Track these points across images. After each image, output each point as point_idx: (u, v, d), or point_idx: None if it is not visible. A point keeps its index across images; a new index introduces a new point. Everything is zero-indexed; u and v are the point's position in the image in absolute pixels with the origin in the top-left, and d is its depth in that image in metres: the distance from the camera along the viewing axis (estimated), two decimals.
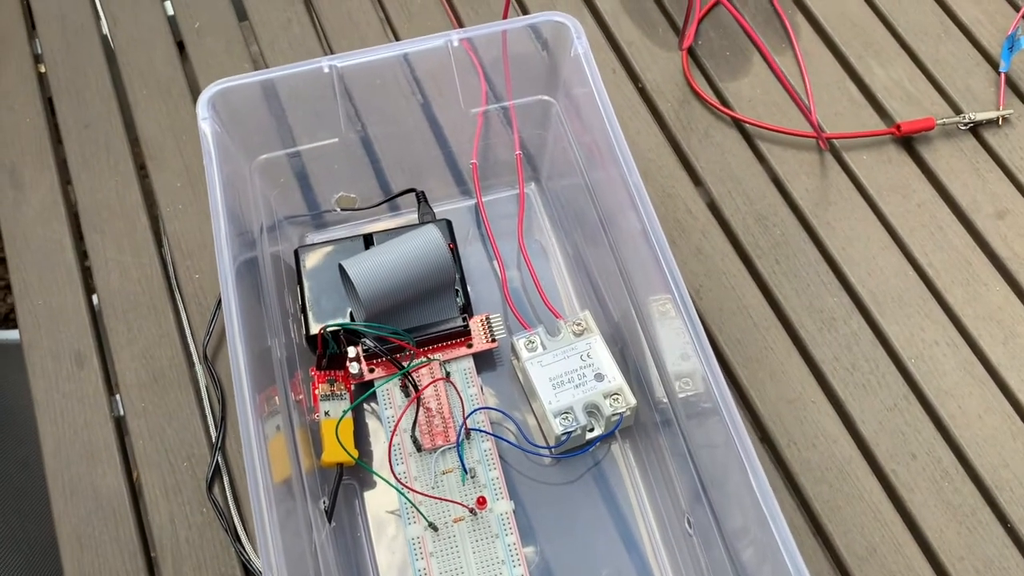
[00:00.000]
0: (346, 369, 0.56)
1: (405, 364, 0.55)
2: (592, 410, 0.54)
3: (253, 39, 0.74)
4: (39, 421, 0.58)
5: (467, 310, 0.58)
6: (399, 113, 0.60)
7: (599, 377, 0.55)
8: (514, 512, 0.53)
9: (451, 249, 0.57)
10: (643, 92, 0.71)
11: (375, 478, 0.55)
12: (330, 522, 0.52)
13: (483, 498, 0.53)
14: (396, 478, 0.53)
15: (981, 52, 0.71)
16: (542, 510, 0.55)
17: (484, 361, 0.59)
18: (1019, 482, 0.55)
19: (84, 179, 0.67)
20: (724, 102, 0.69)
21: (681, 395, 0.50)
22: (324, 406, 0.55)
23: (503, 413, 0.57)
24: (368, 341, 0.55)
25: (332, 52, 0.73)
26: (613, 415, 0.54)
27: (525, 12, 0.75)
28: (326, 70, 0.55)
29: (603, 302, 0.59)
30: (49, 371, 0.60)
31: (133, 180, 0.67)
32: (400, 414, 0.55)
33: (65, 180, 0.68)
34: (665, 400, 0.52)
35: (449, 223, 0.60)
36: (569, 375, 0.55)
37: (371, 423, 0.57)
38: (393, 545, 0.54)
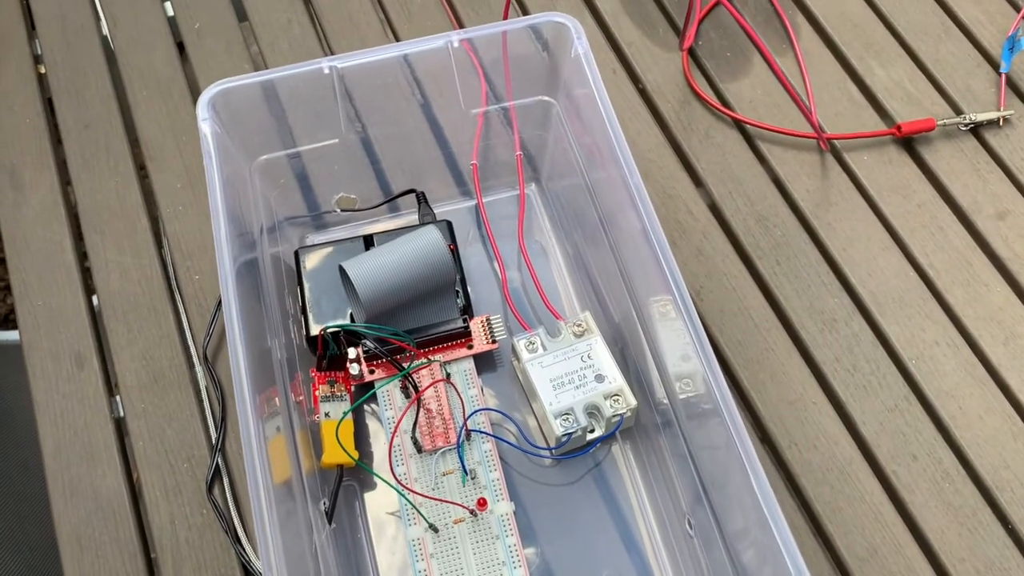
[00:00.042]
0: (346, 370, 0.56)
1: (405, 365, 0.55)
2: (593, 411, 0.54)
3: (253, 40, 0.74)
4: (39, 422, 0.58)
5: (467, 311, 0.57)
6: (399, 114, 0.60)
7: (599, 378, 0.55)
8: (515, 513, 0.53)
9: (451, 250, 0.57)
10: (643, 93, 0.71)
11: (375, 479, 0.55)
12: (330, 523, 0.52)
13: (483, 499, 0.53)
14: (396, 479, 0.53)
15: (982, 53, 0.71)
16: (543, 511, 0.55)
17: (484, 362, 0.59)
18: (1020, 483, 0.55)
19: (84, 180, 0.67)
20: (725, 103, 0.69)
21: (682, 396, 0.50)
22: (324, 407, 0.55)
23: (503, 414, 0.57)
24: (368, 342, 0.55)
25: (332, 53, 0.73)
26: (614, 416, 0.54)
27: (525, 13, 0.75)
28: (326, 71, 0.55)
29: (603, 303, 0.59)
30: (49, 372, 0.59)
31: (133, 181, 0.67)
32: (400, 415, 0.55)
33: (65, 181, 0.68)
34: (666, 401, 0.52)
35: (449, 224, 0.60)
36: (569, 376, 0.55)
37: (371, 424, 0.57)
38: (393, 546, 0.54)
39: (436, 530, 0.52)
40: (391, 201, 0.63)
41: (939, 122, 0.67)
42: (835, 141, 0.67)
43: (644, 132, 0.68)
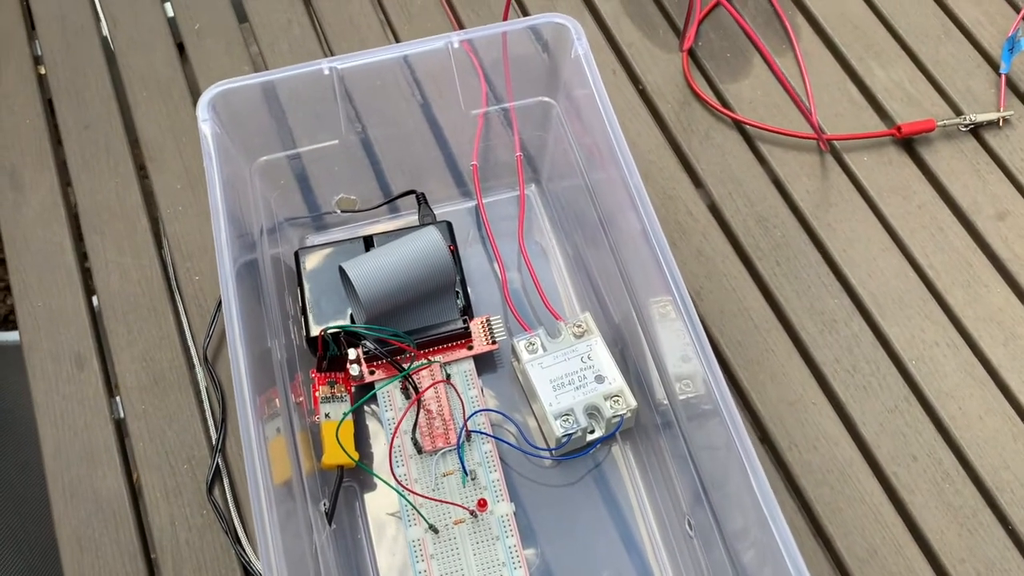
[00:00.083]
0: (346, 371, 0.56)
1: (406, 366, 0.55)
2: (593, 412, 0.54)
3: (253, 40, 0.74)
4: (39, 423, 0.58)
5: (467, 312, 0.57)
6: (399, 115, 0.60)
7: (599, 379, 0.55)
8: (515, 514, 0.53)
9: (451, 251, 0.57)
10: (643, 93, 0.71)
11: (375, 480, 0.55)
12: (330, 524, 0.52)
13: (484, 500, 0.53)
14: (396, 480, 0.53)
15: (981, 53, 0.71)
16: (543, 512, 0.55)
17: (484, 363, 0.59)
18: (1020, 484, 0.55)
19: (84, 180, 0.67)
20: (724, 103, 0.69)
21: (682, 397, 0.50)
22: (324, 408, 0.55)
23: (503, 415, 0.57)
24: (368, 343, 0.55)
25: (332, 54, 0.73)
26: (614, 417, 0.54)
27: (525, 13, 0.75)
28: (326, 72, 0.55)
29: (603, 304, 0.59)
30: (49, 373, 0.59)
31: (133, 182, 0.67)
32: (401, 416, 0.55)
33: (65, 182, 0.68)
34: (666, 402, 0.52)
35: (449, 225, 0.60)
36: (569, 377, 0.55)
37: (371, 425, 0.57)
38: (394, 547, 0.54)
39: (436, 531, 0.52)
40: (391, 202, 0.63)
41: (939, 123, 0.67)
42: (835, 142, 0.67)
43: (644, 133, 0.68)
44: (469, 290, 0.59)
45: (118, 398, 0.59)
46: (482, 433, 0.55)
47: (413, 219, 0.62)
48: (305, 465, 0.52)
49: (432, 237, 0.55)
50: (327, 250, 0.59)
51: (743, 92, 0.70)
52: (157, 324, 0.61)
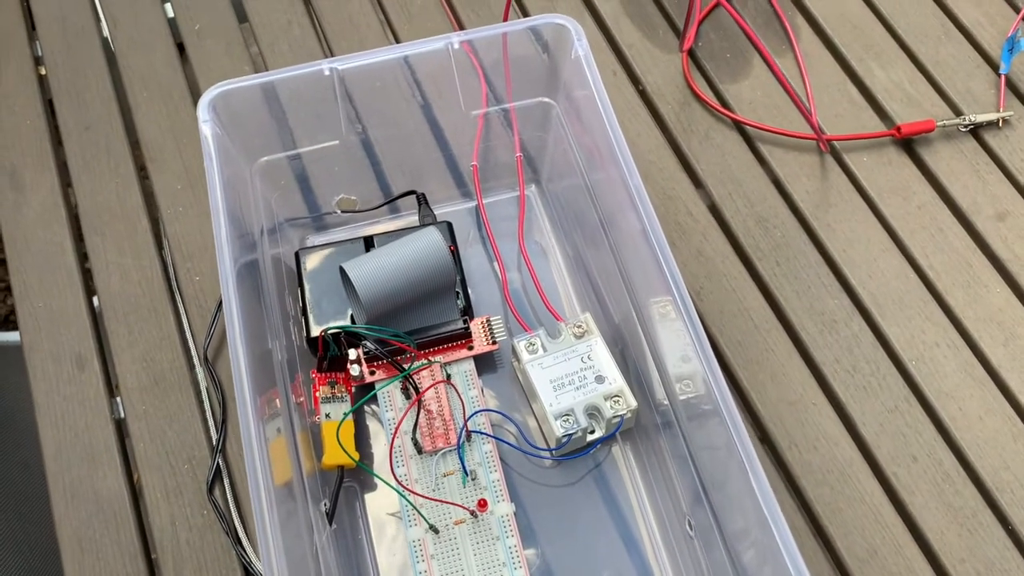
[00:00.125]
0: (347, 371, 0.56)
1: (406, 366, 0.55)
2: (593, 412, 0.54)
3: (253, 41, 0.74)
4: (40, 424, 0.58)
5: (468, 312, 0.58)
6: (400, 115, 0.60)
7: (600, 379, 0.55)
8: (515, 514, 0.53)
9: (452, 251, 0.57)
10: (643, 94, 0.71)
11: (376, 480, 0.55)
12: (331, 524, 0.52)
13: (484, 500, 0.53)
14: (397, 480, 0.53)
15: (981, 54, 0.71)
16: (543, 512, 0.55)
17: (485, 363, 0.59)
18: (1020, 484, 0.55)
19: (84, 181, 0.67)
20: (724, 104, 0.69)
21: (682, 397, 0.50)
22: (325, 408, 0.55)
23: (504, 415, 0.57)
24: (369, 343, 0.55)
25: (332, 54, 0.73)
26: (614, 417, 0.54)
27: (525, 14, 0.75)
28: (327, 72, 0.55)
29: (603, 304, 0.59)
30: (50, 374, 0.59)
31: (134, 182, 0.67)
32: (401, 416, 0.55)
33: (65, 182, 0.68)
34: (666, 402, 0.52)
35: (450, 225, 0.60)
36: (570, 377, 0.55)
37: (372, 425, 0.57)
38: (394, 547, 0.54)
39: (437, 531, 0.52)
40: (391, 202, 0.63)
41: (939, 123, 0.67)
42: (835, 142, 0.67)
43: (644, 133, 0.68)
44: (469, 290, 0.59)
45: (119, 398, 0.59)
46: (482, 433, 0.55)
47: (413, 219, 0.63)
48: (306, 465, 0.52)
49: (432, 237, 0.55)
50: (327, 250, 0.59)
51: (743, 92, 0.70)
52: (157, 325, 0.61)
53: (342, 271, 0.56)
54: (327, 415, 0.55)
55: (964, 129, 0.68)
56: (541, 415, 0.55)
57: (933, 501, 0.55)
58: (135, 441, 0.57)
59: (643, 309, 0.53)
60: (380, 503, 0.55)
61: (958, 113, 0.68)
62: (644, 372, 0.54)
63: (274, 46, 0.73)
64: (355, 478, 0.56)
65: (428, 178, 0.64)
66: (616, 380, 0.55)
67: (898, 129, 0.67)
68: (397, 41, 0.74)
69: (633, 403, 0.54)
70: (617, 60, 0.72)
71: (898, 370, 0.59)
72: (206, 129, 0.52)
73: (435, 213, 0.62)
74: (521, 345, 0.56)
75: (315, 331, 0.56)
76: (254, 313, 0.51)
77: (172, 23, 0.75)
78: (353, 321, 0.57)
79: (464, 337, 0.57)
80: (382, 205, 0.63)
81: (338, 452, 0.53)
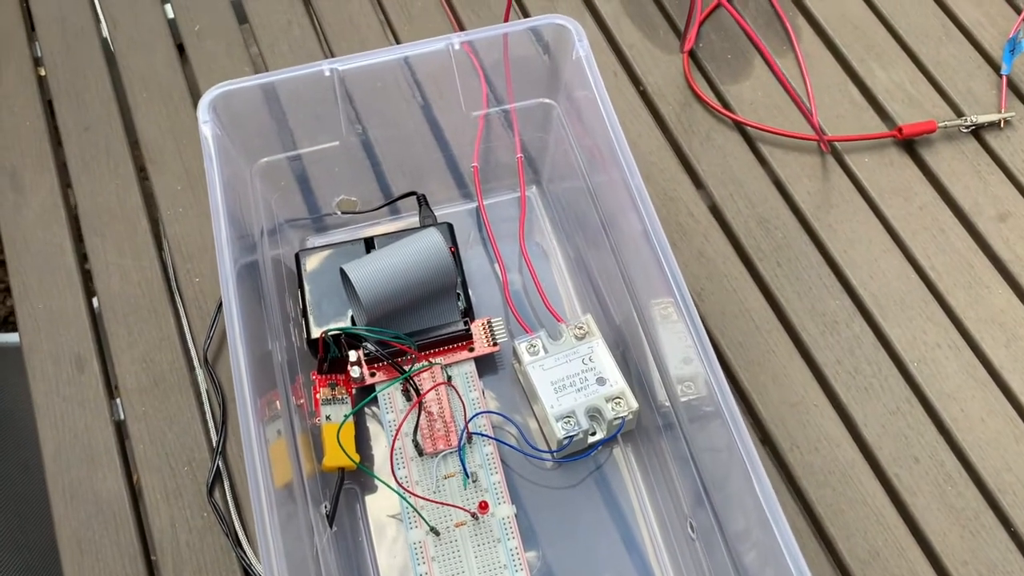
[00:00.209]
0: (347, 373, 0.56)
1: (406, 368, 0.55)
2: (594, 414, 0.54)
3: (253, 41, 0.74)
4: (39, 425, 0.58)
5: (468, 314, 0.57)
6: (400, 116, 0.60)
7: (601, 381, 0.55)
8: (516, 516, 0.53)
9: (452, 252, 0.57)
10: (644, 95, 0.70)
11: (376, 482, 0.55)
12: (331, 526, 0.52)
13: (485, 502, 0.53)
14: (397, 482, 0.52)
15: (982, 55, 0.71)
16: (544, 514, 0.54)
17: (486, 365, 0.59)
18: (1022, 485, 0.55)
19: (84, 182, 0.67)
20: (725, 105, 0.69)
21: (683, 398, 0.50)
22: (325, 410, 0.55)
23: (505, 417, 0.57)
24: (369, 345, 0.55)
25: (332, 55, 0.73)
26: (615, 419, 0.54)
27: (526, 15, 0.75)
28: (327, 73, 0.55)
29: (605, 305, 0.59)
30: (49, 375, 0.59)
31: (133, 183, 0.67)
32: (402, 418, 0.55)
33: (65, 183, 0.68)
34: (667, 404, 0.52)
35: (450, 226, 0.60)
36: (571, 379, 0.55)
37: (372, 427, 0.57)
38: (394, 549, 0.54)
39: (437, 533, 0.52)
40: (392, 203, 0.63)
41: (940, 124, 0.67)
42: (836, 143, 0.67)
43: (645, 134, 0.68)
44: (470, 292, 0.59)
45: (118, 400, 0.59)
46: (483, 435, 0.55)
47: (414, 221, 0.62)
48: (306, 467, 0.52)
49: (433, 239, 0.55)
50: (328, 252, 0.59)
51: (744, 93, 0.70)
52: (157, 326, 0.61)
53: (342, 272, 0.55)
54: (327, 417, 0.55)
55: (965, 130, 0.68)
56: (542, 417, 0.55)
57: (935, 503, 0.55)
58: (135, 442, 0.57)
59: (644, 310, 0.53)
60: (381, 505, 0.55)
61: (959, 114, 0.68)
62: (645, 373, 0.54)
63: (274, 47, 0.73)
64: (355, 480, 0.56)
65: (429, 179, 0.63)
66: (617, 382, 0.55)
67: (899, 130, 0.67)
68: (397, 42, 0.74)
69: (634, 405, 0.54)
70: (618, 61, 0.72)
71: (900, 371, 0.59)
72: (206, 130, 0.52)
73: (436, 214, 0.62)
74: (522, 347, 0.56)
75: (315, 333, 0.56)
76: (254, 314, 0.51)
77: (172, 24, 0.75)
78: (353, 323, 0.57)
79: (465, 339, 0.57)
80: (383, 206, 0.63)
81: (338, 454, 0.53)
